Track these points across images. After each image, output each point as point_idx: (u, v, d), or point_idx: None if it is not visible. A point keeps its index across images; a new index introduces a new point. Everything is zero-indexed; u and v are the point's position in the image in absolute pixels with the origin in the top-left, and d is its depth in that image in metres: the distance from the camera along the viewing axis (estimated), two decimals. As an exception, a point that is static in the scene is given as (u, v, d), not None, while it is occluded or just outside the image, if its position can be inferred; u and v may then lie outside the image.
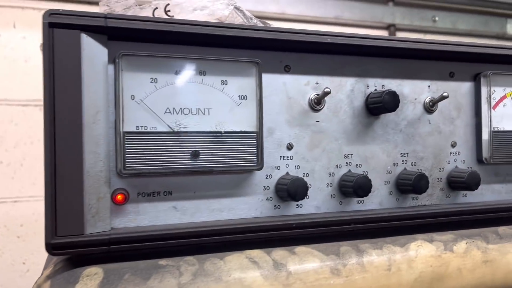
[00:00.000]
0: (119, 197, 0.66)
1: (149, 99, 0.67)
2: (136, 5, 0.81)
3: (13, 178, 1.81)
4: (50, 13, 0.61)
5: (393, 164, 0.84)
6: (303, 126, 0.78)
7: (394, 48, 0.81)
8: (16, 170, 1.81)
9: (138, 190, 0.68)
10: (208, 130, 0.70)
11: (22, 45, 1.84)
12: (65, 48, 0.62)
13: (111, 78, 0.66)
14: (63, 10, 0.62)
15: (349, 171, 0.81)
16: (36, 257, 1.83)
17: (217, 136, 0.70)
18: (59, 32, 0.62)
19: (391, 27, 2.75)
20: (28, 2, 1.86)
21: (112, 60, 0.66)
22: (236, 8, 0.78)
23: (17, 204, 1.80)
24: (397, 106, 0.79)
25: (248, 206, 0.75)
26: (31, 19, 1.85)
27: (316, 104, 0.79)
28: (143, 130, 0.66)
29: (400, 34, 2.82)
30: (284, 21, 2.56)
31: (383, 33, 2.78)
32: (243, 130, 0.72)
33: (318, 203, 0.79)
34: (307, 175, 0.79)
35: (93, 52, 0.64)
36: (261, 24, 0.85)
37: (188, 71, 0.69)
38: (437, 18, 2.83)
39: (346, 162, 0.81)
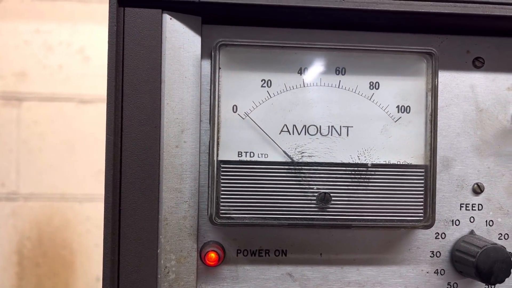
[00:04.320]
0: (212, 255, 0.45)
1: (258, 111, 0.44)
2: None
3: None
4: (123, -13, 0.42)
5: None
6: (504, 157, 0.48)
7: None
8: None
9: (239, 246, 0.46)
10: (346, 161, 0.45)
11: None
12: (140, 34, 0.42)
13: (206, 80, 0.45)
14: (141, -19, 0.42)
15: None
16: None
17: (359, 172, 0.44)
18: (133, 12, 0.42)
19: None
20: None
21: (207, 52, 0.45)
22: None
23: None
24: None
25: (405, 282, 0.47)
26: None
27: (527, 121, 0.48)
28: (247, 159, 0.44)
29: None
30: None
31: None
32: (402, 163, 0.45)
33: (522, 283, 0.48)
34: (506, 236, 0.48)
35: (180, 41, 0.43)
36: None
37: (319, 69, 0.45)
38: None
39: None
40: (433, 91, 0.45)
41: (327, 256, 0.47)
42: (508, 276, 0.43)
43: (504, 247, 0.44)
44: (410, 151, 0.45)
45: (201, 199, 0.45)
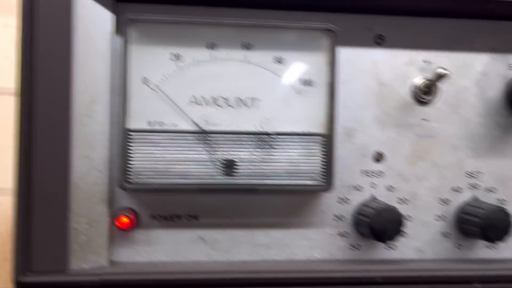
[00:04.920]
0: (124, 219, 0.47)
1: (168, 83, 0.47)
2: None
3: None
4: (35, -36, 0.44)
5: (552, 191, 0.53)
6: (402, 127, 0.52)
7: None
8: None
9: (152, 211, 0.49)
10: (251, 129, 0.48)
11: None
12: (50, 11, 0.44)
13: (119, 55, 0.48)
14: (52, -41, 0.44)
15: (475, 198, 0.52)
16: None
17: (263, 140, 0.48)
18: (43, -11, 0.44)
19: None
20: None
21: (120, 29, 0.47)
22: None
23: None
24: None
25: (310, 244, 0.51)
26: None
27: (425, 94, 0.52)
28: (157, 128, 0.47)
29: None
30: None
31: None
32: (303, 131, 0.48)
33: (421, 244, 0.52)
34: (405, 201, 0.52)
35: (92, 18, 0.46)
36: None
37: (226, 44, 0.48)
38: None
39: (470, 184, 0.52)
40: (331, 65, 0.48)
41: (237, 220, 0.50)
42: (399, 234, 0.47)
43: (395, 207, 0.47)
44: (311, 121, 0.48)
45: (113, 166, 0.47)
